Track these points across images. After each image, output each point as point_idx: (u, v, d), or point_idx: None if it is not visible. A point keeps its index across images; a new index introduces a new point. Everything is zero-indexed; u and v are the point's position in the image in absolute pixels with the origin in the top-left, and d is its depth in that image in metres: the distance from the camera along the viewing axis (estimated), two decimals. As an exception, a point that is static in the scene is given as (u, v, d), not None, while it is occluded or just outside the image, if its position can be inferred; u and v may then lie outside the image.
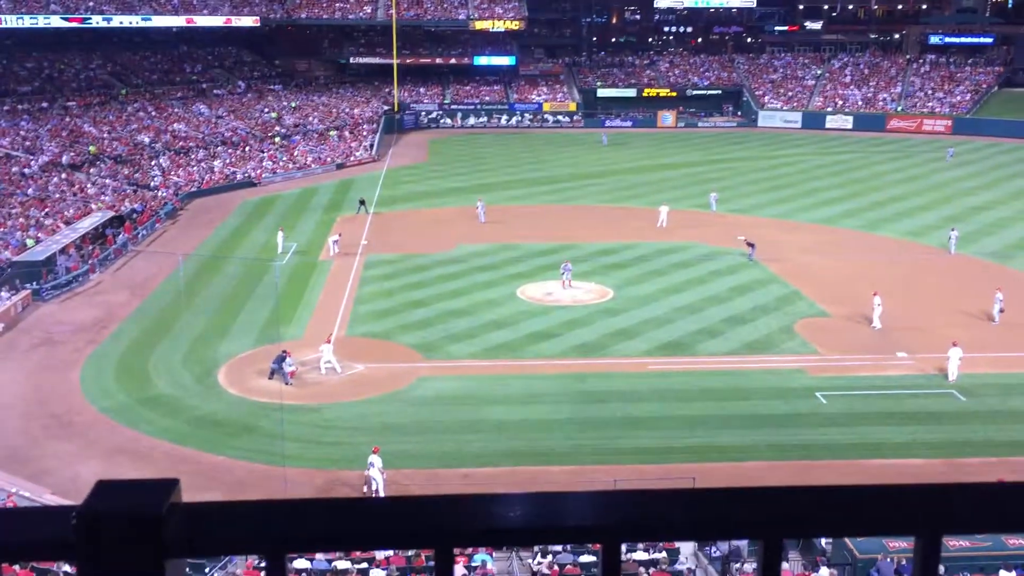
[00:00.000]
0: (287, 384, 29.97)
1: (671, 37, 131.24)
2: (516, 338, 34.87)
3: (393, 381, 30.99)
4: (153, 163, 65.71)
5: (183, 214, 58.16)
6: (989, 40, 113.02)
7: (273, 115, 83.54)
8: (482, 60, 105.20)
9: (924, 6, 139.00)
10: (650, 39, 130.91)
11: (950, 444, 26.59)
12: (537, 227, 53.02)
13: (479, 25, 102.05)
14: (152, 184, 61.58)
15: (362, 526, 1.32)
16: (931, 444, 26.54)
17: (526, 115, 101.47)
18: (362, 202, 57.42)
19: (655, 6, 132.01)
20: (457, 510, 1.32)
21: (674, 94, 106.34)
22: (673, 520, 1.35)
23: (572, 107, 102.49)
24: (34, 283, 40.37)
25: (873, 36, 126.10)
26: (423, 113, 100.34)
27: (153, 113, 75.41)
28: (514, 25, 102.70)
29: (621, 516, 1.35)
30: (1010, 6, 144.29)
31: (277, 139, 77.97)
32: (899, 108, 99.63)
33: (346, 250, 47.14)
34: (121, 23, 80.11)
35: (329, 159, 76.36)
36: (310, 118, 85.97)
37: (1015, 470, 24.61)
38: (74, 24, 76.19)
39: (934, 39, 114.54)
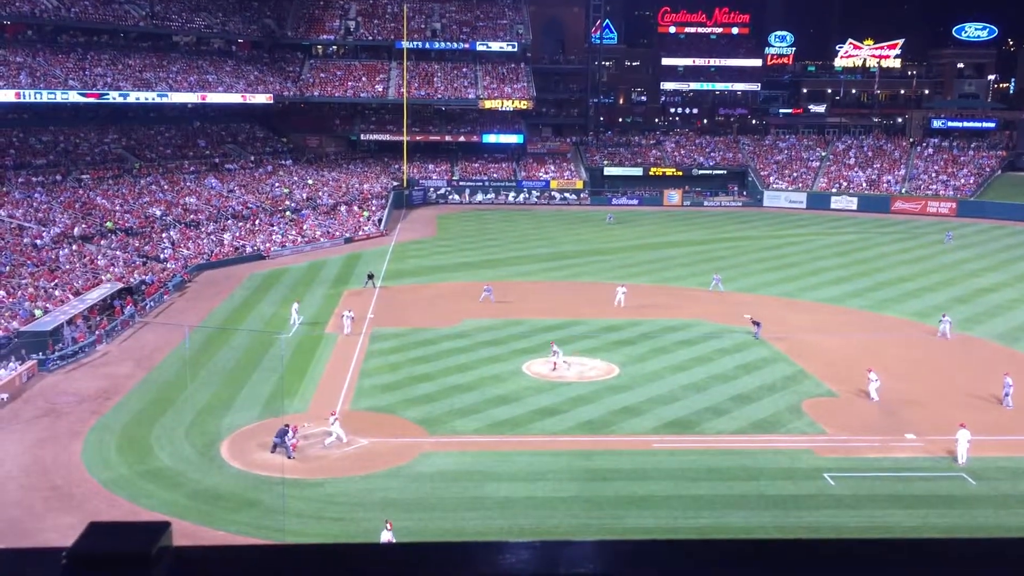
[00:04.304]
0: (290, 458, 29.73)
1: (677, 118, 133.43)
2: (521, 414, 34.65)
3: (396, 456, 30.72)
4: (163, 235, 66.35)
5: (191, 286, 58.49)
6: (992, 125, 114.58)
7: (284, 190, 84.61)
8: (491, 138, 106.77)
9: (927, 91, 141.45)
10: (656, 119, 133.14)
11: (961, 529, 26.10)
12: (543, 303, 53.14)
13: (488, 104, 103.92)
14: (162, 256, 62.09)
15: (360, 570, 1.31)
16: (941, 528, 26.06)
17: (533, 192, 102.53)
18: (370, 276, 57.67)
19: (661, 88, 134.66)
20: (466, 556, 1.31)
21: (680, 173, 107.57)
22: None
23: (579, 185, 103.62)
24: (40, 353, 40.43)
25: (876, 120, 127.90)
26: (432, 189, 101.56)
27: (165, 187, 76.43)
28: (523, 105, 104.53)
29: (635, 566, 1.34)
30: (1011, 92, 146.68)
31: (287, 213, 78.82)
32: (903, 190, 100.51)
33: (355, 323, 47.09)
34: (138, 99, 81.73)
35: (338, 233, 77.04)
36: (320, 193, 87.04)
37: (1028, 556, 24.09)
38: (91, 100, 77.78)
39: (937, 123, 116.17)
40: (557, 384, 38.22)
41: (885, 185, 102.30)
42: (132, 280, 54.20)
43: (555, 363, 40.04)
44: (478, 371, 39.86)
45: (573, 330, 46.55)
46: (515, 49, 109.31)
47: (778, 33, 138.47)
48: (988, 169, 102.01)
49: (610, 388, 37.80)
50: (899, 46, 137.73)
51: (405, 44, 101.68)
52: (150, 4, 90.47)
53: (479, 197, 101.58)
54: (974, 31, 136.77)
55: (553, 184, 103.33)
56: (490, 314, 50.20)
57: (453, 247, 73.58)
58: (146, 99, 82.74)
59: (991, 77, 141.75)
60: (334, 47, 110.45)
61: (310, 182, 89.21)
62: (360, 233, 78.47)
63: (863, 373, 37.87)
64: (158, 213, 70.00)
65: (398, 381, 38.64)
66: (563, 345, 42.28)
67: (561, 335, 44.66)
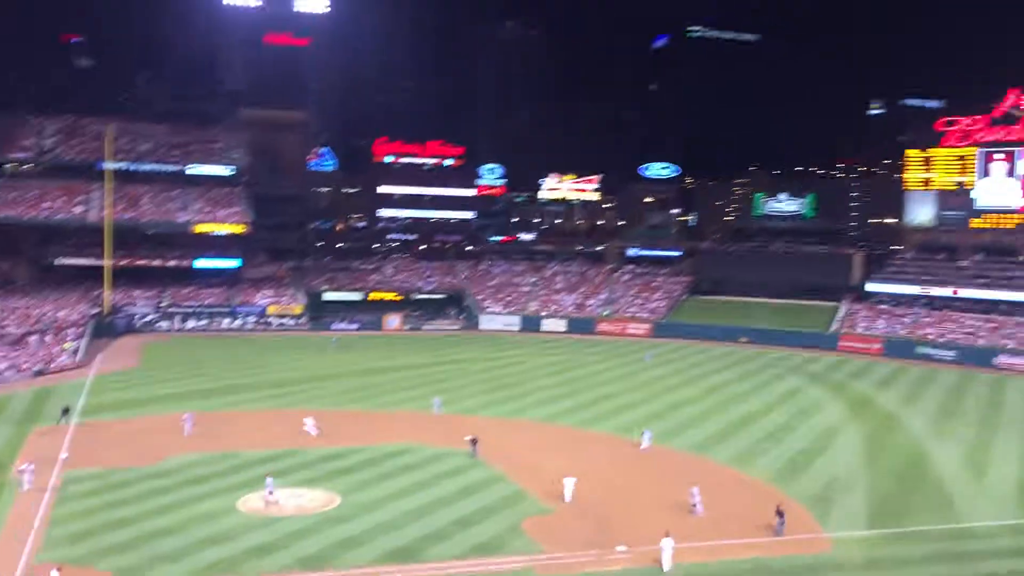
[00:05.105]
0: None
1: (396, 243, 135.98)
2: (233, 554, 32.44)
3: (88, 614, 27.51)
4: None
5: None
6: (678, 253, 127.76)
7: (-38, 318, 76.14)
8: (205, 263, 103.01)
9: (622, 222, 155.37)
10: (376, 244, 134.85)
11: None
12: (258, 434, 50.89)
13: (201, 229, 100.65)
14: None
15: None
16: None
17: (250, 318, 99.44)
18: (65, 411, 52.70)
19: (379, 215, 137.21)
20: None
21: (400, 297, 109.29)
22: None
23: (298, 310, 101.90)
24: None
25: (580, 247, 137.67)
26: (137, 316, 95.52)
27: None
28: (238, 229, 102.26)
29: None
30: (692, 226, 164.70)
31: (-35, 344, 70.74)
32: (605, 313, 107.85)
33: (43, 466, 42.22)
34: None
35: (27, 366, 70.01)
36: (7, 321, 79.17)
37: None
38: None
39: (632, 251, 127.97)
40: (273, 519, 36.33)
41: (589, 308, 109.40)
42: None
43: (269, 498, 38.17)
44: (185, 511, 37.06)
45: (291, 460, 44.83)
46: (230, 173, 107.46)
47: (489, 165, 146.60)
48: (677, 293, 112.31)
49: (330, 519, 36.49)
50: (597, 181, 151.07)
51: (109, 165, 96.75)
52: None
53: (191, 324, 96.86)
54: (659, 170, 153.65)
55: (271, 309, 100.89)
56: (198, 448, 47.25)
57: (159, 377, 69.08)
58: None
59: (674, 211, 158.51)
60: (28, 165, 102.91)
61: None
62: (54, 365, 71.81)
63: (580, 491, 39.40)
64: None
65: (92, 528, 35.01)
66: (281, 476, 40.53)
67: (278, 466, 42.81)
